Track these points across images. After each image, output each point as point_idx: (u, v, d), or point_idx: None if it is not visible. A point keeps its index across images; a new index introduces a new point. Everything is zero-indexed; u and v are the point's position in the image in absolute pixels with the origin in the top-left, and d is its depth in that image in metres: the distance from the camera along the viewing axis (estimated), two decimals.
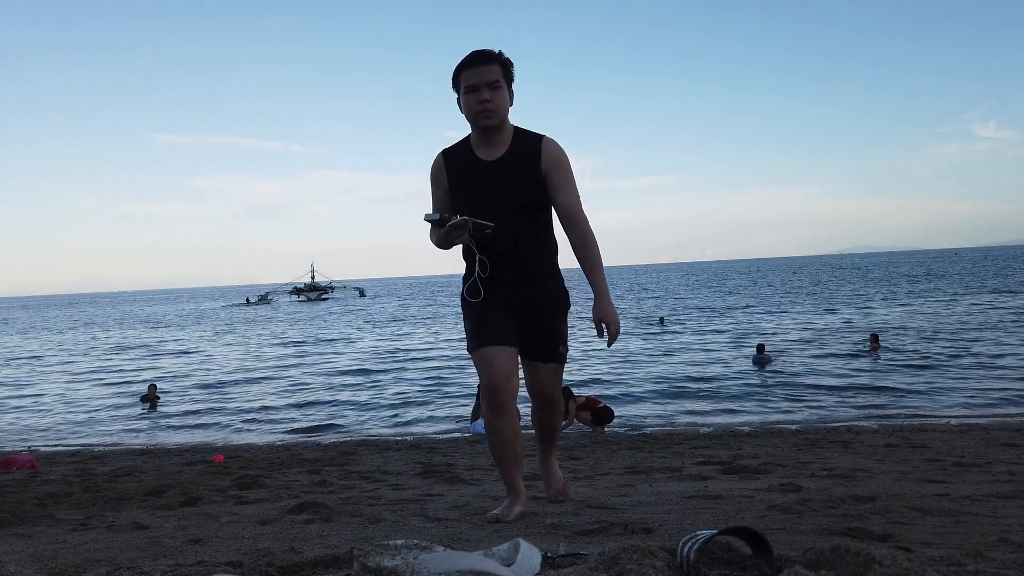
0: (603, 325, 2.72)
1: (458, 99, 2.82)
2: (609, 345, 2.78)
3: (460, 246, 2.87)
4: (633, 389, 13.38)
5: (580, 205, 2.84)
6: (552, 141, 2.86)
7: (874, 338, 16.92)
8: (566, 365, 3.10)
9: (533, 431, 3.25)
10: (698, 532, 1.69)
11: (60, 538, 3.06)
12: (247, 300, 78.03)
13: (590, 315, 2.77)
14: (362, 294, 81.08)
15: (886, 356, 15.77)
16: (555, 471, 3.29)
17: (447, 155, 2.93)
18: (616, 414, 9.87)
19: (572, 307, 3.04)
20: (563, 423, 9.30)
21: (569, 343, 3.05)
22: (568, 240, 2.85)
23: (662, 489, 4.06)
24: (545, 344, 2.92)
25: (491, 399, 2.81)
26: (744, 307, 34.02)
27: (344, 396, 14.62)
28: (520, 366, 2.96)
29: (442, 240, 2.76)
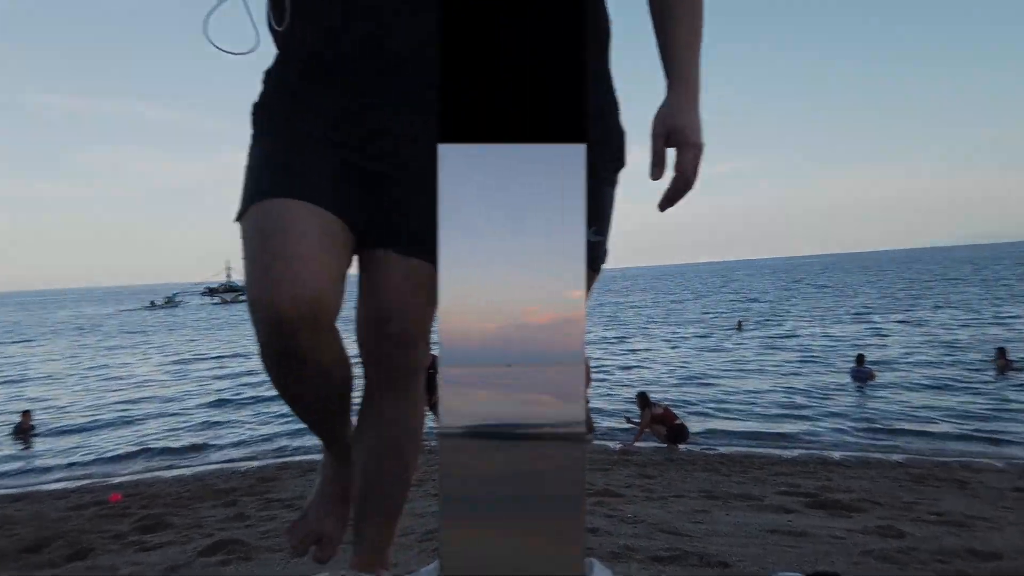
0: (666, 145, 1.19)
1: None
2: (669, 202, 1.20)
3: None
4: (708, 402, 12.84)
5: None
6: None
7: (1000, 353, 14.51)
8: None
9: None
10: (780, 573, 1.43)
11: None
12: (152, 303, 70.66)
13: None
14: None
15: (1016, 376, 13.76)
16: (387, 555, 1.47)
17: None
18: (690, 430, 9.46)
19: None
20: (632, 438, 8.96)
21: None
22: None
23: (740, 519, 3.84)
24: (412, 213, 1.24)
25: (278, 314, 1.14)
26: (834, 309, 31.27)
27: (260, 414, 12.86)
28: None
29: None
